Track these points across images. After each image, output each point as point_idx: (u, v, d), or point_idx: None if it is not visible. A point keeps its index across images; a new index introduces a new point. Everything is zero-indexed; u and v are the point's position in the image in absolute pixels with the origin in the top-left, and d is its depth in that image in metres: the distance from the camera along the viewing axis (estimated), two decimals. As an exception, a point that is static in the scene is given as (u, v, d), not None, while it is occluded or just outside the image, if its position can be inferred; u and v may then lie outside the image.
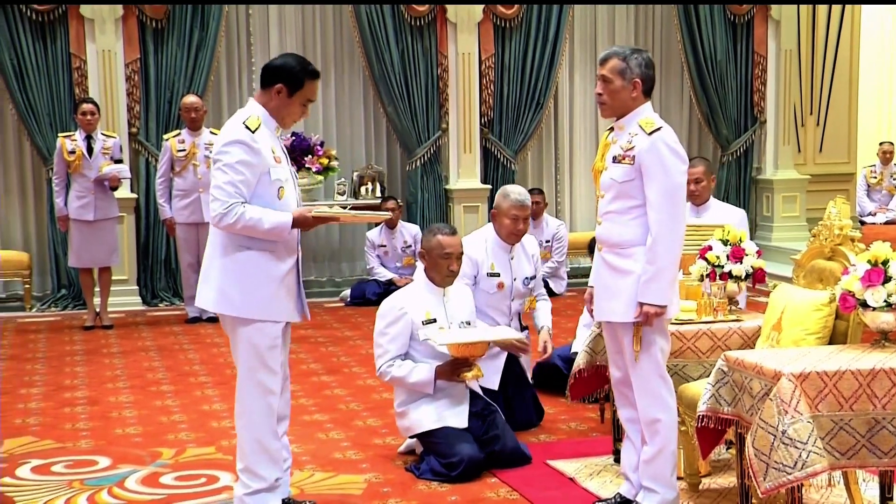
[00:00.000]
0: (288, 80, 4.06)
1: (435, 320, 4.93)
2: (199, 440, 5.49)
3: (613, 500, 4.38)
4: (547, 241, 9.82)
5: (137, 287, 9.83)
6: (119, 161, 8.65)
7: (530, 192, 10.22)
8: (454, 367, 4.87)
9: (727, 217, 5.77)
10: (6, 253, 9.73)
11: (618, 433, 4.85)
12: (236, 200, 3.99)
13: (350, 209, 5.01)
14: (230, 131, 4.07)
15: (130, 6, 9.57)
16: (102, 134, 8.63)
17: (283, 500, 4.23)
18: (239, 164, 4.00)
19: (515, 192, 5.73)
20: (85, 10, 9.43)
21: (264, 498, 4.11)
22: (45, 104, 9.47)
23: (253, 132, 4.03)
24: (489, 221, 5.86)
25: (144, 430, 5.69)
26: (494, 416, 5.03)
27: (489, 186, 10.56)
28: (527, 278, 5.77)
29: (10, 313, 9.52)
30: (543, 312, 5.91)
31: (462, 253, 5.09)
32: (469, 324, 5.08)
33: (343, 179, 10.42)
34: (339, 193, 10.40)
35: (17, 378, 6.94)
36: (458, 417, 4.92)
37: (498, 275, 5.65)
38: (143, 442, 5.48)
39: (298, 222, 4.08)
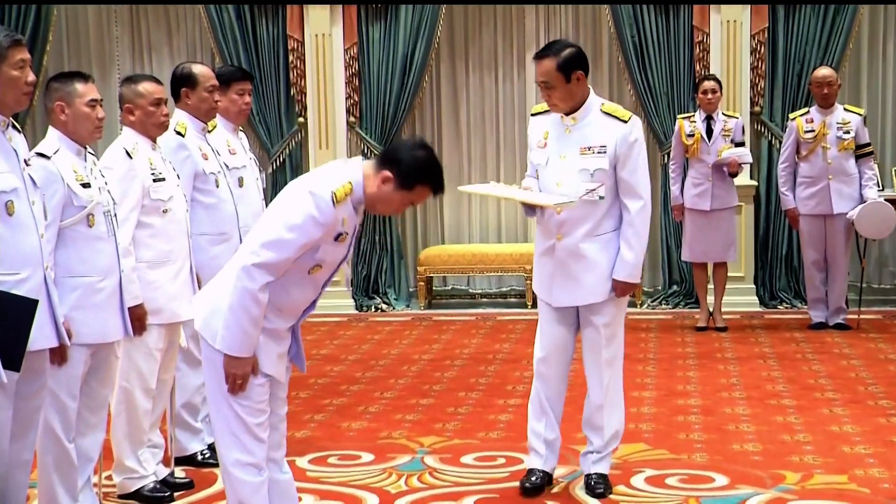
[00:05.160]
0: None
1: None
2: (828, 466, 5.38)
3: None
4: None
5: (754, 286, 9.91)
6: (740, 144, 8.76)
7: None
8: None
9: None
10: (617, 244, 10.31)
11: None
12: None
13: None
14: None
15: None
16: (723, 114, 8.78)
17: None
18: None
19: None
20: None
21: None
22: (664, 83, 9.88)
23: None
24: None
25: (764, 448, 5.71)
26: None
27: None
28: None
29: (621, 308, 10.09)
30: None
31: None
32: None
33: None
34: None
35: (628, 379, 7.21)
36: None
37: None
38: (764, 461, 5.49)
39: None
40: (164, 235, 4.98)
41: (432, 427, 6.25)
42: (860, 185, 8.64)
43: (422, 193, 3.85)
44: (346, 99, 10.23)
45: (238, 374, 3.84)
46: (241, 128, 6.23)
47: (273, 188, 10.13)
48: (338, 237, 3.81)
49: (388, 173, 3.79)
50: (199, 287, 5.24)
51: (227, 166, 5.75)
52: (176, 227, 5.03)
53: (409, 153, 3.83)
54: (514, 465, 5.48)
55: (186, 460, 5.52)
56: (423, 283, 10.32)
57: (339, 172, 3.82)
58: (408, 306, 10.33)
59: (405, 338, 8.98)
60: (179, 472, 5.34)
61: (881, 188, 8.95)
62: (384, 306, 10.26)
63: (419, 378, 7.52)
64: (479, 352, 8.34)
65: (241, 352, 3.82)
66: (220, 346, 3.83)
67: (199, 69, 5.72)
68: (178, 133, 5.49)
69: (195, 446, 5.59)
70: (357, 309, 10.21)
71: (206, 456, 5.58)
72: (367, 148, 10.25)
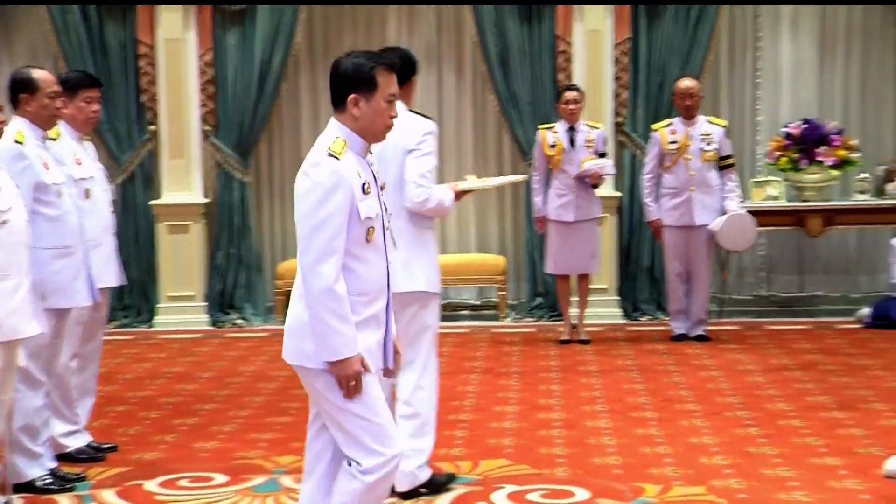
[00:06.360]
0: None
1: None
2: (687, 478, 5.52)
3: None
4: None
5: (618, 298, 10.12)
6: (603, 155, 8.92)
7: None
8: None
9: None
10: (482, 257, 10.45)
11: None
12: (432, 186, 5.12)
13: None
14: (425, 124, 5.12)
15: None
16: (586, 125, 8.92)
17: None
18: (434, 154, 5.15)
19: None
20: (575, -13, 9.88)
21: None
22: (527, 93, 10.03)
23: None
24: None
25: (625, 461, 5.82)
26: None
27: None
28: None
29: (485, 322, 10.20)
30: None
31: None
32: None
33: (865, 175, 10.01)
34: (858, 192, 10.02)
35: (490, 394, 7.42)
36: None
37: None
38: (624, 474, 5.60)
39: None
40: (2, 248, 4.87)
41: (290, 446, 6.21)
42: (722, 196, 8.90)
43: (387, 80, 3.91)
44: (201, 107, 10.13)
45: (350, 376, 3.78)
46: (87, 136, 6.15)
47: (123, 200, 9.99)
48: (364, 189, 3.83)
49: (352, 97, 3.87)
50: (43, 300, 5.14)
51: (72, 177, 5.67)
52: (15, 238, 4.92)
53: (345, 68, 3.89)
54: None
55: (25, 487, 5.38)
56: (281, 298, 10.25)
57: (323, 142, 3.89)
58: (265, 321, 10.27)
59: (262, 354, 8.91)
60: (17, 501, 5.22)
61: (742, 200, 9.22)
62: (241, 321, 10.18)
63: (277, 395, 7.48)
64: (339, 368, 8.32)
65: (344, 352, 3.76)
66: (323, 358, 3.77)
67: (40, 74, 5.62)
68: (17, 142, 5.38)
69: (35, 472, 5.46)
70: (212, 325, 10.11)
71: (47, 482, 5.46)
72: (224, 158, 10.17)
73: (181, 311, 10.15)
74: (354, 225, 3.83)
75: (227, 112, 10.17)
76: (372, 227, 3.88)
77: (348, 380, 3.78)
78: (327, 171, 3.78)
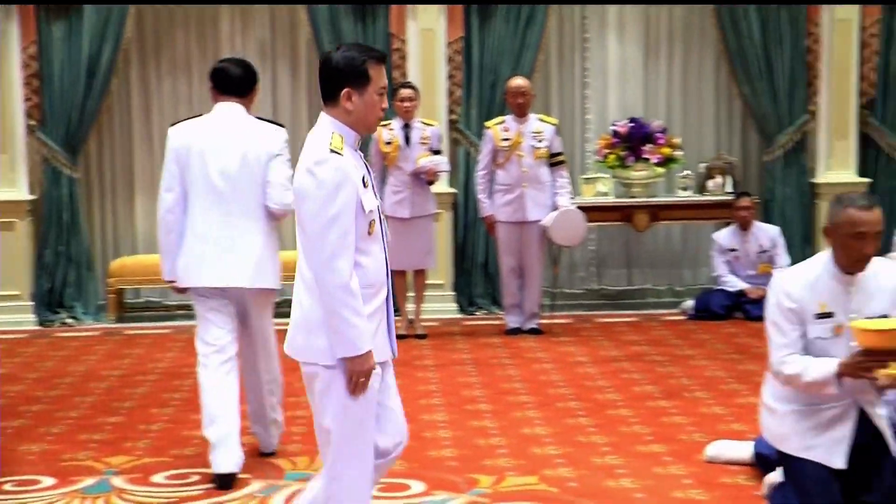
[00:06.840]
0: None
1: (831, 315, 4.62)
2: (520, 468, 5.61)
3: None
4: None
5: (454, 293, 10.20)
6: (438, 152, 8.98)
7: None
8: (861, 364, 4.44)
9: None
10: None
11: None
12: None
13: None
14: (282, 131, 5.51)
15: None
16: (421, 122, 8.99)
17: None
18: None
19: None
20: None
21: None
22: (362, 90, 10.01)
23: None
24: None
25: (460, 454, 5.88)
26: (884, 456, 4.65)
27: (868, 180, 10.17)
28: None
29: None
30: None
31: (880, 231, 4.57)
32: (885, 318, 4.61)
33: (688, 172, 10.33)
34: (681, 188, 10.33)
35: (326, 388, 7.40)
36: (833, 452, 4.64)
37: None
38: (459, 467, 5.65)
39: None
40: None
41: (121, 446, 6.10)
42: (554, 192, 9.06)
43: (377, 72, 3.90)
44: (25, 101, 9.84)
45: (363, 371, 3.81)
46: None
47: (-56, 196, 9.63)
48: (363, 182, 3.85)
49: (344, 91, 3.86)
50: None
51: None
52: None
53: (337, 62, 3.87)
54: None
55: None
56: (113, 296, 10.03)
57: (318, 139, 3.86)
58: (96, 320, 10.03)
59: (93, 353, 8.71)
60: None
61: (573, 196, 9.40)
62: (70, 321, 9.92)
63: (108, 395, 7.32)
64: (173, 366, 8.19)
65: (361, 348, 3.80)
66: (339, 354, 3.81)
67: None
68: None
69: None
70: (39, 324, 9.83)
71: None
72: (51, 153, 9.88)
73: (6, 311, 9.83)
74: (359, 219, 3.85)
75: (54, 106, 9.89)
76: (374, 220, 3.91)
77: (359, 375, 3.84)
78: (332, 167, 3.78)
